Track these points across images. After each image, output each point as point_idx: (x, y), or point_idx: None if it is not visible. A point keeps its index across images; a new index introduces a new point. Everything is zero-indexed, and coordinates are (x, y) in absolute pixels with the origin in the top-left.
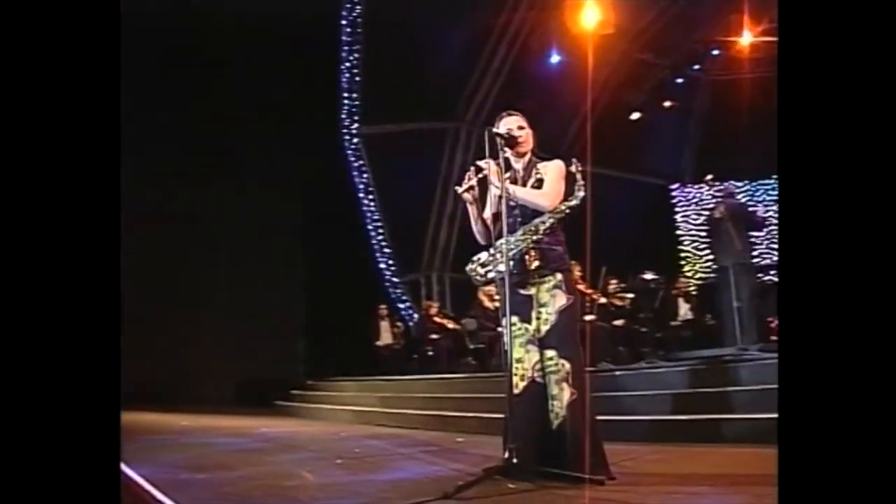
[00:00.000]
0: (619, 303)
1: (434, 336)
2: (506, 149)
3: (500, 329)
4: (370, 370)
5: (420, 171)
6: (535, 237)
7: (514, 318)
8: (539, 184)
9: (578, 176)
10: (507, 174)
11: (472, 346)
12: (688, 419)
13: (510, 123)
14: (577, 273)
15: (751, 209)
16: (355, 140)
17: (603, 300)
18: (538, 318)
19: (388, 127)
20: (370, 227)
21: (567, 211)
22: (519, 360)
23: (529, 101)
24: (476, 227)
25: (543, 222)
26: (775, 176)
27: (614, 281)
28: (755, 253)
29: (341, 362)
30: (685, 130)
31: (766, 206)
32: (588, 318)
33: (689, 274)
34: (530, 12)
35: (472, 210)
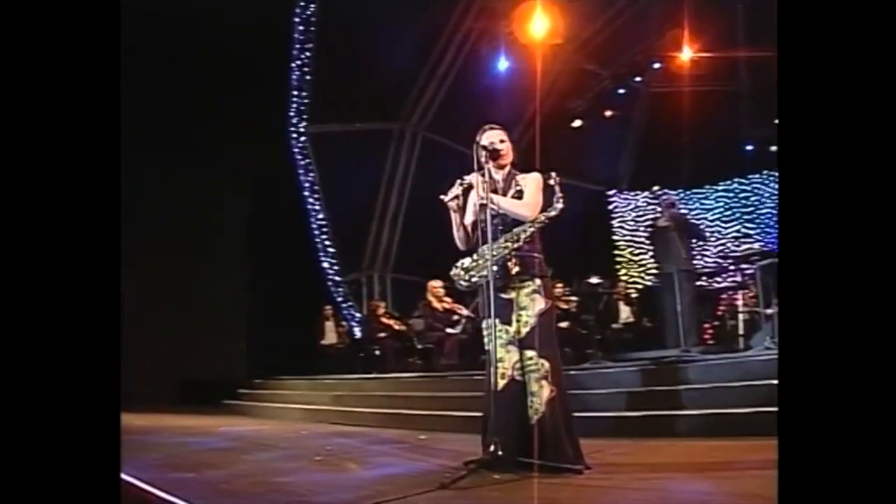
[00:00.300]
0: (564, 306)
1: (381, 336)
2: (489, 160)
3: (448, 330)
4: (315, 369)
5: (365, 171)
6: (515, 245)
7: (495, 320)
8: (519, 195)
9: (557, 188)
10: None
11: (420, 347)
12: (641, 415)
13: (493, 137)
14: None
15: (692, 218)
16: (303, 138)
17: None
18: (518, 321)
19: (335, 126)
20: (314, 226)
21: (546, 221)
22: (500, 360)
23: (474, 106)
24: (458, 234)
25: (524, 231)
26: (708, 185)
27: (560, 285)
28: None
29: (285, 361)
30: (623, 139)
31: (700, 214)
32: None
33: (625, 278)
34: (479, 19)
35: (454, 217)
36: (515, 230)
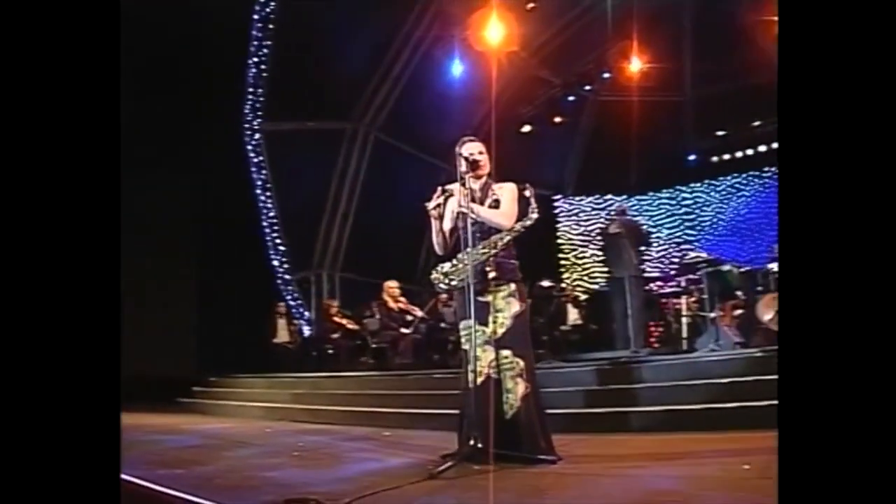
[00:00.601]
0: None
1: (334, 335)
2: (468, 171)
3: (402, 329)
4: (268, 367)
5: (316, 169)
6: (493, 252)
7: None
8: (496, 204)
9: (532, 199)
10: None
11: (374, 346)
12: (600, 412)
13: (472, 148)
14: None
15: (641, 226)
16: (257, 136)
17: None
18: (495, 322)
19: (289, 124)
20: (265, 224)
21: (521, 230)
22: (476, 359)
23: (427, 109)
24: (436, 240)
25: (501, 238)
26: (651, 193)
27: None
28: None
29: (236, 359)
30: (570, 145)
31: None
32: None
33: (569, 281)
34: (434, 23)
35: (434, 224)
36: (493, 238)
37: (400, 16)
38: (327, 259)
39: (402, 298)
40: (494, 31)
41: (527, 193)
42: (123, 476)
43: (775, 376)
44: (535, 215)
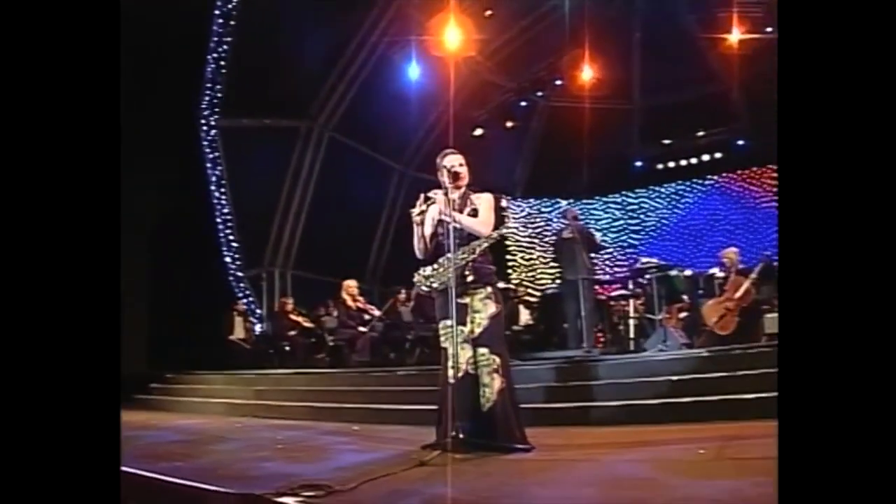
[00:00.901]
0: None
1: (291, 332)
2: (450, 181)
3: (360, 328)
4: (225, 364)
5: (271, 166)
6: (471, 257)
7: (451, 322)
8: (474, 213)
9: (508, 211)
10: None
11: (332, 343)
12: (560, 407)
13: (453, 160)
14: None
15: (593, 231)
16: (213, 132)
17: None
18: (472, 322)
19: (245, 121)
20: (219, 221)
21: (498, 238)
22: (455, 356)
23: (382, 110)
24: (418, 245)
25: (479, 245)
26: (598, 197)
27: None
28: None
29: (189, 356)
30: (520, 149)
31: (590, 224)
32: None
33: (516, 282)
34: (393, 25)
35: (416, 230)
36: (472, 244)
37: (358, 17)
38: (279, 257)
39: (360, 297)
40: (452, 37)
41: (503, 203)
42: (132, 470)
43: (722, 373)
44: (510, 223)
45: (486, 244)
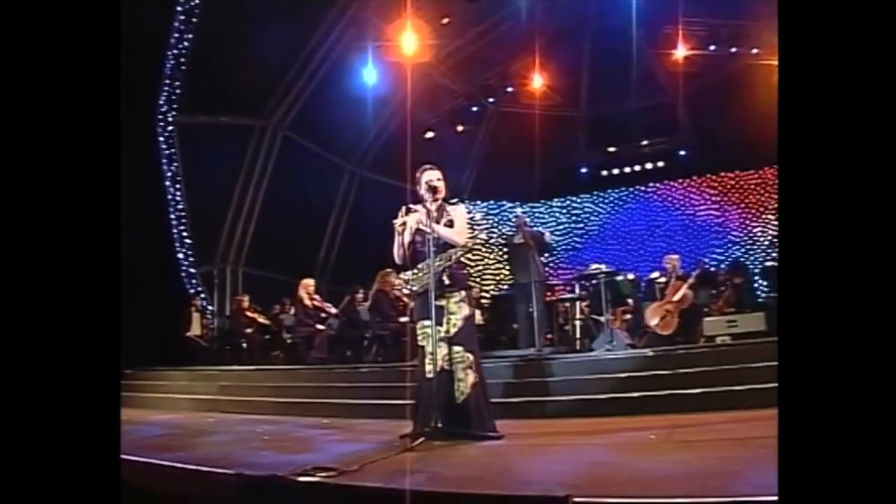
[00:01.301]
0: None
1: (248, 329)
2: (429, 194)
3: (318, 326)
4: (181, 360)
5: (225, 164)
6: (447, 263)
7: (429, 322)
8: (450, 223)
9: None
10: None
11: (290, 341)
12: (518, 401)
13: (432, 176)
14: (392, 279)
15: (543, 236)
16: (170, 128)
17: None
18: (448, 322)
19: (202, 118)
20: (173, 217)
21: (472, 247)
22: (432, 353)
23: (336, 111)
24: (397, 252)
25: (455, 253)
26: (543, 201)
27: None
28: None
29: (143, 352)
30: (470, 152)
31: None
32: (402, 319)
33: None
34: (349, 28)
35: (397, 239)
36: (448, 252)
37: (316, 18)
38: (231, 254)
39: (317, 296)
40: (408, 43)
41: (476, 216)
42: (147, 459)
43: (664, 371)
44: (482, 235)
45: (460, 252)
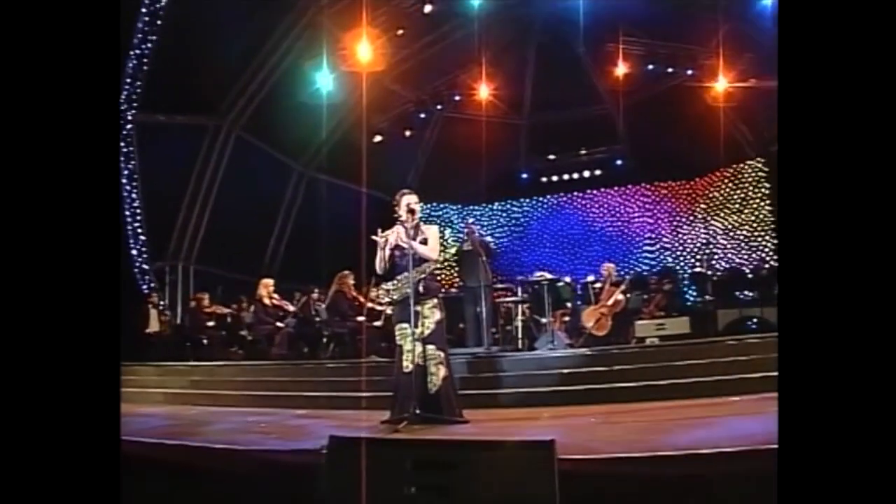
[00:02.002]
0: (379, 307)
1: (208, 326)
2: (407, 215)
3: (278, 324)
4: (137, 357)
5: (178, 162)
6: (422, 275)
7: (406, 325)
8: (424, 241)
9: (449, 238)
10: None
11: (250, 338)
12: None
13: (410, 199)
14: (350, 281)
15: (490, 243)
16: (129, 126)
17: (369, 305)
18: (422, 325)
19: (159, 117)
20: (128, 214)
21: (443, 262)
22: (409, 351)
23: (288, 112)
24: (379, 264)
25: (429, 266)
26: (485, 204)
27: (374, 288)
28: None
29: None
30: (415, 156)
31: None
32: (359, 319)
33: None
34: (305, 33)
35: (379, 252)
36: (423, 265)
37: (273, 22)
38: (183, 250)
39: (276, 295)
40: (363, 52)
41: (446, 234)
42: (175, 442)
43: (600, 368)
44: (452, 250)
45: (433, 266)
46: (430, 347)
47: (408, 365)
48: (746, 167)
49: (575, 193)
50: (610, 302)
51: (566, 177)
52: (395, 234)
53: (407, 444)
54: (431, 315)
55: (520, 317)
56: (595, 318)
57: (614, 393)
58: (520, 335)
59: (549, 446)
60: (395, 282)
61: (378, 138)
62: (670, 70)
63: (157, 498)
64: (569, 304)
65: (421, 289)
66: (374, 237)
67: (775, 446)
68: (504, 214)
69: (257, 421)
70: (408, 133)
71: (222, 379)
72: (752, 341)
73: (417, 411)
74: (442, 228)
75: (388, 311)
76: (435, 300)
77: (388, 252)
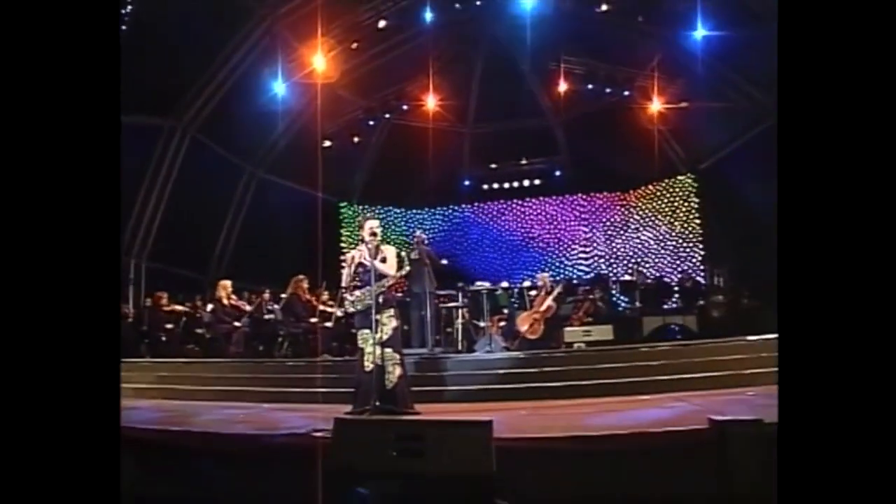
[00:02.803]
0: (330, 309)
1: (168, 324)
2: (370, 237)
3: (235, 323)
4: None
5: (133, 161)
6: (382, 289)
7: (367, 331)
8: (384, 260)
9: (405, 258)
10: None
11: (208, 336)
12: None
13: (373, 224)
14: (305, 285)
15: (436, 254)
16: None
17: (321, 307)
18: (381, 331)
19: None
20: None
21: (400, 278)
22: (370, 353)
23: (243, 116)
24: (346, 280)
25: (388, 281)
26: (427, 208)
27: (326, 292)
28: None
29: None
30: (362, 160)
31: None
32: (312, 320)
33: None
34: (263, 40)
35: (346, 269)
36: (382, 280)
37: (232, 27)
38: (135, 247)
39: (234, 296)
40: (319, 63)
41: (402, 254)
42: (152, 427)
43: (532, 369)
44: (408, 267)
45: (391, 281)
46: (388, 350)
47: (368, 365)
48: (677, 182)
49: (515, 201)
50: (542, 308)
51: (507, 185)
52: (360, 254)
53: (388, 423)
54: (389, 322)
55: (460, 320)
56: (529, 322)
57: (543, 391)
58: (460, 338)
59: (489, 424)
60: (359, 294)
61: (327, 143)
62: (608, 90)
63: (162, 481)
64: (505, 310)
65: (380, 300)
66: (342, 258)
67: (671, 429)
68: (445, 219)
69: (235, 413)
70: (356, 139)
71: (188, 375)
72: (665, 348)
73: (377, 404)
74: (385, 230)
75: (339, 313)
76: (392, 310)
77: (352, 269)
